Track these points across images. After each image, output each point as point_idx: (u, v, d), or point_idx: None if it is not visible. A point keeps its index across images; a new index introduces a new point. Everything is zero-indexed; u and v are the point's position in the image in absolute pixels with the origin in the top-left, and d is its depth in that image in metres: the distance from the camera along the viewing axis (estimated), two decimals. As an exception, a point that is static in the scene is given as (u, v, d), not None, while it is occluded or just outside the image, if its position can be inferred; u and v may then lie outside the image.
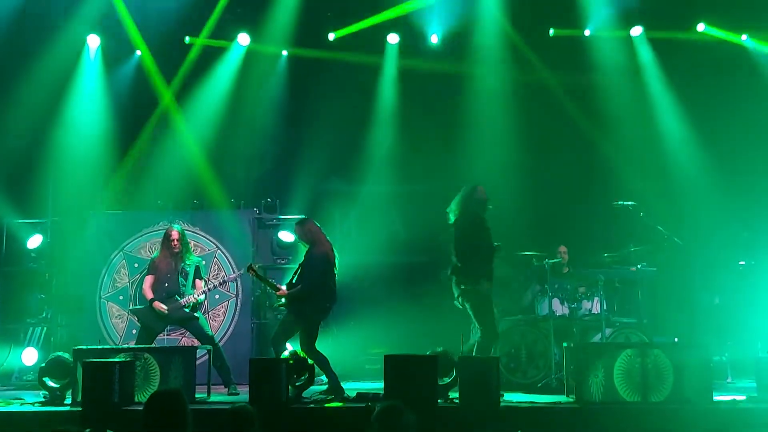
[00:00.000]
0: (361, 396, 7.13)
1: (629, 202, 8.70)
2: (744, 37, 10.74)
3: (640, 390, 6.78)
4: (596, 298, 8.56)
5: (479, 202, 7.59)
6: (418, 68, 10.88)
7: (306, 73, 10.97)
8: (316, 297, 7.48)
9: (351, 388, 7.65)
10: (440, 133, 10.65)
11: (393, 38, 10.95)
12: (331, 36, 10.82)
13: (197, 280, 8.09)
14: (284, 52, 11.04)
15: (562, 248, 9.20)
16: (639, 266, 8.72)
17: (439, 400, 6.64)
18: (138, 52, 10.82)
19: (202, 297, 8.12)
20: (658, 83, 10.73)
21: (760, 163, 10.12)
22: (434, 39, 10.82)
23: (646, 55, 10.79)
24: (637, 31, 10.76)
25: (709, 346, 7.26)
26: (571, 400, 7.01)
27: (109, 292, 9.56)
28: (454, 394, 6.95)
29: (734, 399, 6.88)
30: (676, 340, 8.81)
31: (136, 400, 6.84)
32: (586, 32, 10.72)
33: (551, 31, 10.75)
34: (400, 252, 10.55)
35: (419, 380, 6.40)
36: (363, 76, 10.84)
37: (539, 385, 8.12)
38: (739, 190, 10.14)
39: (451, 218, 7.64)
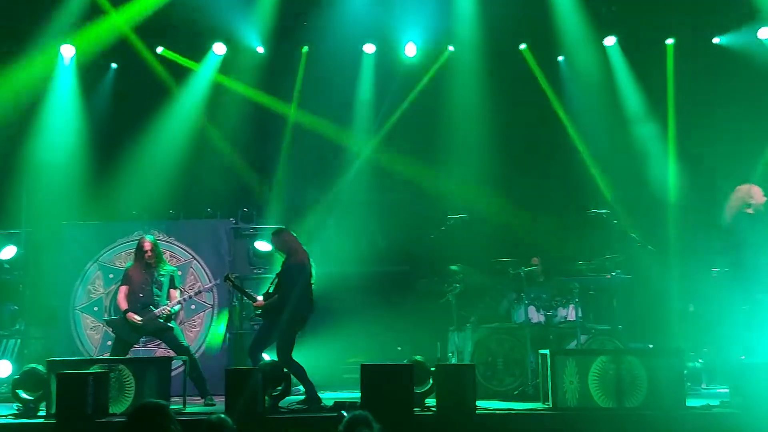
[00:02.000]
0: (338, 405, 7.13)
1: (603, 210, 8.77)
2: (716, 39, 10.85)
3: (614, 396, 6.83)
4: (572, 306, 8.61)
5: None
6: (397, 77, 10.96)
7: (282, 80, 10.97)
8: (293, 307, 7.47)
9: (328, 397, 7.64)
10: (418, 144, 10.72)
11: (368, 48, 10.97)
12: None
13: (172, 290, 8.05)
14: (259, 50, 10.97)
15: (535, 260, 9.28)
16: (614, 274, 8.78)
17: (415, 408, 6.65)
18: (113, 65, 10.80)
19: (177, 307, 8.08)
20: (632, 92, 10.84)
21: (734, 170, 10.23)
22: (411, 49, 10.85)
23: (619, 64, 10.89)
24: (610, 41, 10.87)
25: (683, 353, 7.34)
26: (547, 406, 7.05)
27: (83, 304, 9.48)
28: (430, 402, 6.98)
29: (708, 405, 6.95)
30: (650, 346, 8.88)
31: (111, 411, 6.78)
32: (560, 58, 10.84)
33: (522, 46, 10.86)
34: (377, 261, 10.59)
35: (396, 388, 6.42)
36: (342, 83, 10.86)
37: (515, 392, 8.14)
38: (712, 197, 10.25)
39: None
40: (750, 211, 7.64)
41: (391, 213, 10.49)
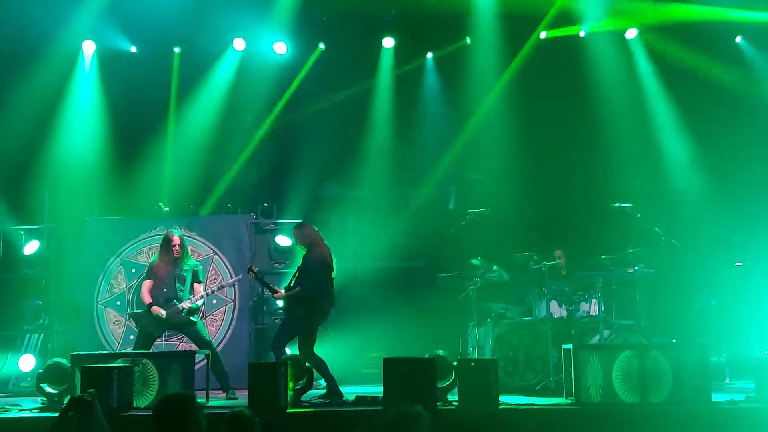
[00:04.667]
0: (360, 399, 7.13)
1: (626, 204, 8.71)
2: (738, 38, 10.77)
3: (638, 391, 6.80)
4: (594, 300, 8.55)
5: None
6: (414, 72, 10.95)
7: (303, 76, 10.98)
8: (315, 300, 7.48)
9: (349, 392, 7.64)
10: (437, 138, 10.69)
11: (388, 42, 10.97)
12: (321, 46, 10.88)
13: (195, 284, 8.07)
14: (283, 50, 10.96)
15: (558, 252, 9.21)
16: (636, 268, 8.71)
17: (438, 403, 6.64)
18: (132, 49, 10.81)
19: (200, 302, 8.10)
20: (655, 86, 10.75)
21: (754, 166, 10.15)
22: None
23: (641, 56, 10.81)
24: (632, 33, 10.78)
25: (707, 347, 7.27)
26: (570, 401, 7.01)
27: (106, 298, 9.54)
28: (452, 397, 6.96)
29: (732, 399, 6.89)
30: (674, 341, 8.82)
31: (135, 405, 6.82)
32: (581, 33, 10.74)
33: (543, 34, 10.79)
34: (397, 257, 10.58)
35: (418, 383, 6.40)
36: (359, 80, 10.86)
37: (537, 387, 8.11)
38: (734, 192, 10.18)
39: None
40: None
41: (411, 208, 10.47)
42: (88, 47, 10.65)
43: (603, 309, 8.39)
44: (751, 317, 9.24)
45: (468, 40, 10.83)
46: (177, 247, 8.01)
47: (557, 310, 8.66)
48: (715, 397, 6.94)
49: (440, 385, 6.96)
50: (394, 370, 6.52)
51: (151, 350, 7.79)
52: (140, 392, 7.00)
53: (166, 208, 9.94)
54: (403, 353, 7.55)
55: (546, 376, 8.19)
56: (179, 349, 8.94)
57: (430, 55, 11.16)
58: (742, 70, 10.63)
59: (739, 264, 9.57)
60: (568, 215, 10.28)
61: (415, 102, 10.99)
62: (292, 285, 7.65)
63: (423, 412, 4.00)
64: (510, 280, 8.96)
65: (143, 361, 7.13)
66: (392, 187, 10.83)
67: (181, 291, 7.95)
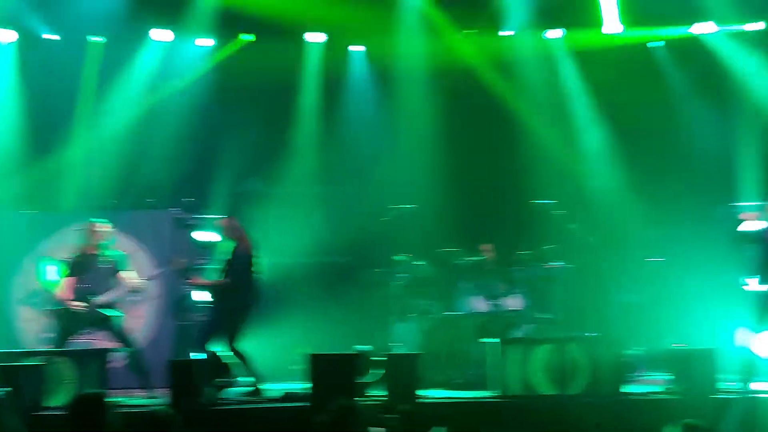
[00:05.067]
0: (289, 396, 7.09)
1: (547, 201, 8.88)
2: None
3: (558, 383, 6.96)
4: (516, 295, 8.71)
5: None
6: (340, 67, 10.92)
7: (226, 70, 10.83)
8: (240, 294, 7.42)
9: (274, 388, 7.58)
10: (362, 134, 10.69)
11: (314, 36, 10.91)
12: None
13: (117, 277, 7.87)
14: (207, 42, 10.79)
15: (486, 246, 9.33)
16: (556, 264, 8.93)
17: (361, 398, 6.65)
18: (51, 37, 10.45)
19: (121, 296, 7.89)
20: (575, 85, 10.99)
21: (669, 164, 10.49)
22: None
23: (562, 56, 11.03)
24: (555, 33, 11.00)
25: (623, 341, 7.49)
26: (492, 394, 7.13)
27: (21, 295, 9.23)
28: (374, 392, 6.99)
29: (647, 391, 7.11)
30: (591, 334, 9.04)
31: (50, 404, 6.62)
32: (501, 33, 10.91)
33: (463, 31, 10.89)
34: (321, 252, 10.53)
35: (343, 378, 6.41)
36: (283, 75, 10.76)
37: (461, 381, 8.19)
38: (650, 190, 10.50)
39: None
40: None
41: (335, 204, 10.44)
42: (6, 35, 10.26)
43: (525, 303, 8.57)
44: (666, 311, 9.55)
45: (394, 35, 10.82)
46: (97, 241, 7.78)
47: (481, 305, 8.79)
48: (631, 389, 7.18)
49: (363, 380, 6.97)
50: (319, 365, 6.51)
51: (67, 347, 7.56)
52: (55, 391, 6.77)
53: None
54: (328, 349, 7.54)
55: (469, 370, 8.29)
56: (98, 345, 8.69)
57: (356, 48, 11.13)
58: (657, 72, 10.98)
59: (656, 259, 9.89)
60: (492, 211, 10.40)
61: (340, 97, 10.95)
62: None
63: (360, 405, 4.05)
64: (435, 276, 9.04)
65: (58, 358, 6.92)
66: (317, 184, 10.78)
67: (102, 286, 7.73)
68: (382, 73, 10.87)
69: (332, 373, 6.43)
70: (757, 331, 8.03)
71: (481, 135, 10.50)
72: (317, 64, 10.95)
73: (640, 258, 9.90)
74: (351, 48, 11.13)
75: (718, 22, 10.63)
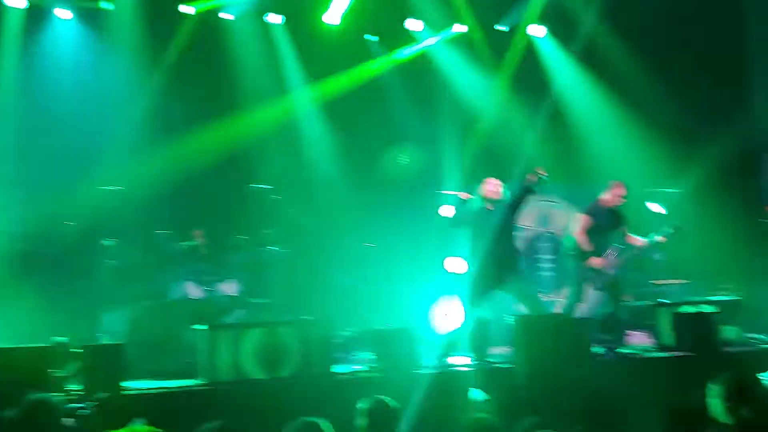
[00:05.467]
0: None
1: (265, 186, 8.88)
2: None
3: (267, 367, 6.97)
4: (232, 280, 8.63)
5: None
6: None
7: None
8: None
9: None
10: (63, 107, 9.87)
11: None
12: None
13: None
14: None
15: (197, 232, 9.13)
16: (273, 248, 8.97)
17: (56, 393, 6.18)
18: None
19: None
20: (295, 71, 11.09)
21: (381, 152, 10.98)
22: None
23: (286, 42, 11.07)
24: (275, 18, 11.00)
25: (336, 323, 7.69)
26: (201, 382, 6.97)
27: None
28: (74, 386, 6.55)
29: (354, 370, 7.37)
30: (303, 317, 9.21)
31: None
32: (222, 15, 10.71)
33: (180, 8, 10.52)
34: (23, 240, 9.65)
35: (32, 372, 5.94)
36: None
37: (171, 370, 7.91)
38: (365, 177, 10.92)
39: None
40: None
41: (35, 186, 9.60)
42: None
43: (240, 289, 8.51)
44: (376, 292, 10.00)
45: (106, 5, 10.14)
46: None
47: (194, 291, 8.59)
48: (339, 369, 7.40)
49: (62, 373, 6.50)
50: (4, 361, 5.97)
51: None
52: None
53: None
54: (29, 342, 6.94)
55: (180, 357, 8.04)
56: None
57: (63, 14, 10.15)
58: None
59: (368, 243, 10.31)
60: (208, 195, 10.17)
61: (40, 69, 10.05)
62: None
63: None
64: (146, 261, 8.67)
65: None
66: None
67: None
68: (94, 47, 10.17)
69: (20, 367, 5.91)
70: (451, 311, 8.70)
71: (197, 117, 10.21)
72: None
73: (353, 242, 10.27)
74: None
75: (427, 23, 11.36)
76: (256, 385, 6.87)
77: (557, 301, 11.04)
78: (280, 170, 10.15)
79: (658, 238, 8.60)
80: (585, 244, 8.52)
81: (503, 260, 7.99)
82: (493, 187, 8.09)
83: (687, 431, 4.66)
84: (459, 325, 8.16)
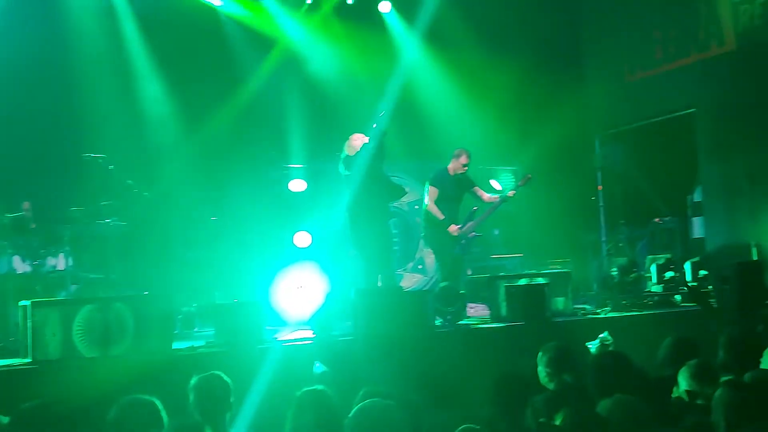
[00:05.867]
0: None
1: (99, 155, 8.48)
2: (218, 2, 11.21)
3: (100, 344, 6.66)
4: (62, 254, 8.19)
5: None
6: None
7: None
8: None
9: None
10: None
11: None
12: None
13: None
14: None
15: (25, 204, 8.57)
16: (109, 220, 8.59)
17: None
18: None
19: None
20: (135, 38, 10.61)
21: (228, 127, 10.73)
22: None
23: (123, 9, 10.55)
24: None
25: (171, 297, 7.45)
26: (27, 361, 6.59)
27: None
28: None
29: (192, 345, 7.20)
30: (140, 293, 8.90)
31: None
32: None
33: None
34: None
35: None
36: None
37: (-3, 348, 7.46)
38: (211, 151, 10.65)
39: None
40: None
41: None
42: None
43: (72, 263, 8.10)
44: (222, 267, 9.81)
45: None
46: None
47: (21, 266, 8.09)
48: (179, 345, 7.19)
49: None
50: None
51: None
52: None
53: None
54: None
55: (5, 336, 7.59)
56: None
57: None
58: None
59: (214, 218, 10.09)
60: (37, 164, 9.59)
61: None
62: None
63: None
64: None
65: None
66: None
67: None
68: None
69: None
70: (300, 285, 8.70)
71: (25, 78, 9.54)
72: None
73: (197, 215, 10.02)
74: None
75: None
76: (89, 362, 6.56)
77: (403, 275, 11.34)
78: (117, 137, 9.68)
79: (509, 192, 9.12)
80: (438, 214, 8.95)
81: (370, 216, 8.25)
82: (360, 141, 8.34)
83: (516, 397, 4.86)
84: (309, 300, 8.19)
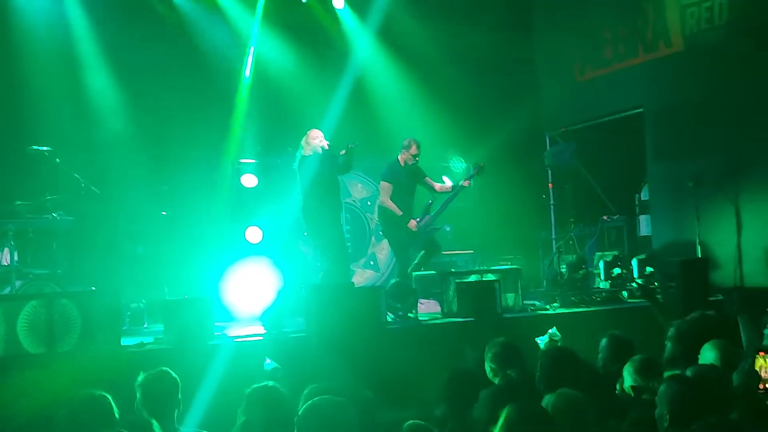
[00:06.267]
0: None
1: (45, 147, 8.30)
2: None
3: (45, 341, 6.53)
4: (6, 249, 8.00)
5: None
6: None
7: None
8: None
9: None
10: None
11: None
12: None
13: None
14: None
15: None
16: (55, 215, 8.42)
17: None
18: None
19: None
20: (82, 27, 10.39)
21: (178, 120, 10.58)
22: None
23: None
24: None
25: (118, 293, 7.33)
26: (-33, 358, 6.43)
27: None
28: None
29: (141, 342, 7.09)
30: (86, 288, 8.74)
31: None
32: None
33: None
34: None
35: None
36: None
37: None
38: (160, 144, 10.50)
39: None
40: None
41: None
42: None
43: (16, 258, 7.92)
44: (171, 263, 9.69)
45: None
46: None
47: (-37, 261, 7.89)
48: (127, 341, 7.08)
49: None
50: None
51: None
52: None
53: None
54: None
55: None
56: None
57: None
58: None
59: (164, 213, 9.96)
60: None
61: None
62: None
63: None
64: None
65: None
66: None
67: None
68: None
69: None
70: (251, 281, 8.64)
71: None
72: None
73: (146, 209, 9.88)
74: None
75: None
76: (34, 359, 6.42)
77: (354, 270, 11.34)
78: (63, 129, 9.49)
79: (463, 182, 9.11)
80: (396, 210, 8.92)
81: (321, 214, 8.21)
82: (318, 140, 8.30)
83: (464, 392, 4.90)
84: (260, 296, 8.14)
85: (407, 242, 9.17)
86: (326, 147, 8.50)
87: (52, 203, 8.49)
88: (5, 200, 8.41)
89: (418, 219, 9.12)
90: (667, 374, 4.64)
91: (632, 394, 4.69)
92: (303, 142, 8.62)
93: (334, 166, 8.60)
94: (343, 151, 8.51)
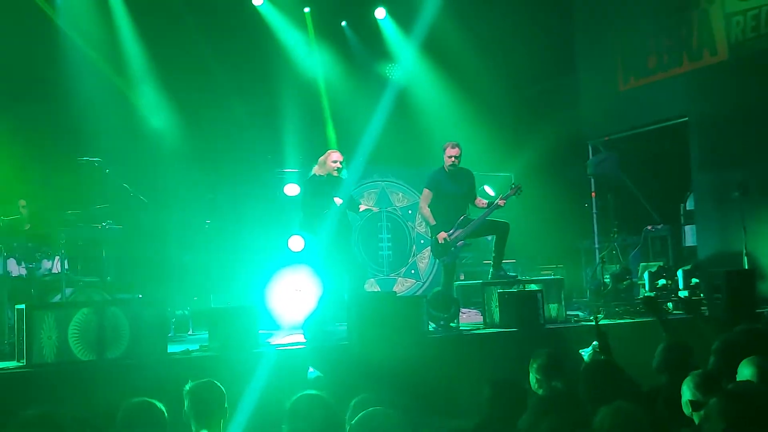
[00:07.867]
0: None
1: (95, 159, 8.50)
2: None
3: (95, 348, 6.68)
4: (57, 257, 8.21)
5: None
6: None
7: None
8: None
9: None
10: None
11: None
12: None
13: None
14: None
15: (22, 202, 8.60)
16: (104, 224, 8.61)
17: None
18: None
19: None
20: (133, 43, 10.64)
21: (224, 131, 10.76)
22: None
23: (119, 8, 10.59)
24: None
25: (170, 301, 7.47)
26: (21, 364, 6.60)
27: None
28: None
29: (187, 349, 7.22)
30: (135, 296, 8.93)
31: None
32: None
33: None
34: None
35: None
36: None
37: (-7, 352, 7.47)
38: (206, 154, 10.69)
39: None
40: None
41: None
42: None
43: (66, 266, 8.11)
44: (216, 272, 9.84)
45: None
46: None
47: (15, 268, 8.10)
48: (173, 348, 7.21)
49: None
50: None
51: None
52: None
53: None
54: None
55: (3, 339, 7.60)
56: None
57: None
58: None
59: (208, 222, 10.12)
60: (38, 167, 9.61)
61: None
62: None
63: None
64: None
65: None
66: None
67: None
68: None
69: None
70: (294, 290, 8.73)
71: (24, 83, 9.57)
72: None
73: (193, 218, 10.05)
74: None
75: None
76: (84, 366, 6.57)
77: (396, 279, 11.37)
78: (113, 141, 9.72)
79: (498, 200, 8.96)
80: (430, 219, 8.85)
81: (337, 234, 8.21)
82: (335, 163, 8.29)
83: (507, 403, 4.90)
84: (304, 304, 8.22)
85: (438, 252, 9.04)
86: (339, 175, 8.46)
87: (101, 212, 8.68)
88: (56, 210, 8.61)
89: (450, 231, 8.92)
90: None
91: (690, 410, 4.54)
92: (321, 160, 8.54)
93: (342, 192, 8.53)
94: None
